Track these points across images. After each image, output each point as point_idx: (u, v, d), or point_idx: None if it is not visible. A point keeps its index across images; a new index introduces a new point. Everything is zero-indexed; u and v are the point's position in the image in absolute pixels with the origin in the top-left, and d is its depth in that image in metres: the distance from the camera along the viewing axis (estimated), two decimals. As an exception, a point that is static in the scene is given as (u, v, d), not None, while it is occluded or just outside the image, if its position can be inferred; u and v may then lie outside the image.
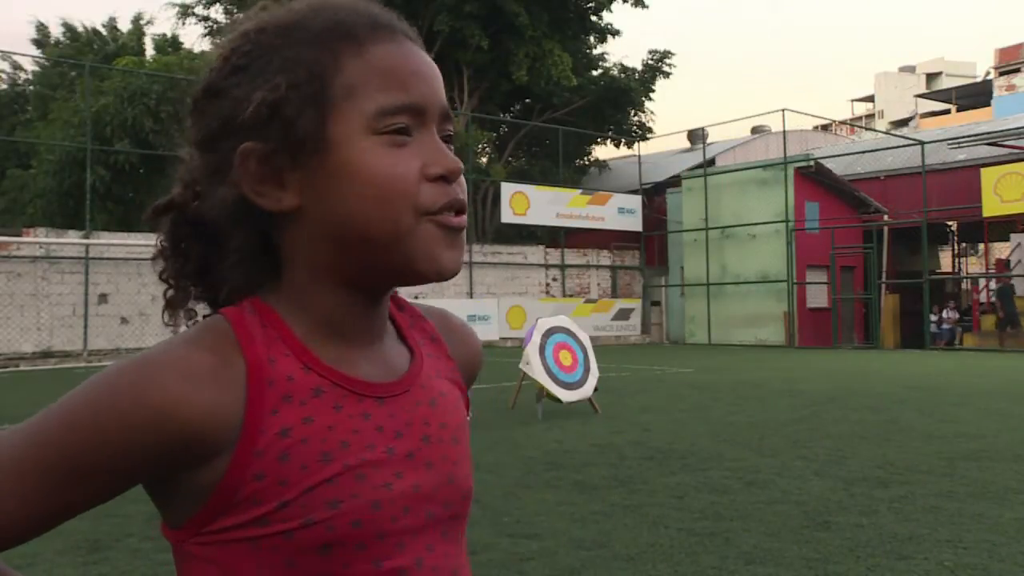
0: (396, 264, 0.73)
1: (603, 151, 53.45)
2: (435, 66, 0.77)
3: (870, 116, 66.68)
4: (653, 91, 30.51)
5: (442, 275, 0.74)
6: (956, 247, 29.29)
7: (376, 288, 0.76)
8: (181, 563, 0.73)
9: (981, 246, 29.62)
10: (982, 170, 21.64)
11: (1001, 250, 26.85)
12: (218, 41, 0.79)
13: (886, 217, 24.65)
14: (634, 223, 27.02)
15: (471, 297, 23.17)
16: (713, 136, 32.30)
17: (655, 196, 28.15)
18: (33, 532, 0.68)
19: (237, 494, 0.68)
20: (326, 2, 0.76)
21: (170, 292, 0.79)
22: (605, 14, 28.77)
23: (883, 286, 23.77)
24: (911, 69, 68.10)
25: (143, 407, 0.66)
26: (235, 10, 26.51)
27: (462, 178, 0.76)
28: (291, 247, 0.75)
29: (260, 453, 0.68)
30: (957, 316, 24.70)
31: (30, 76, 33.87)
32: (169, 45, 30.17)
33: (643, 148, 30.31)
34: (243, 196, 0.73)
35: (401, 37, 0.76)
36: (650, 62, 30.55)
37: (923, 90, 60.90)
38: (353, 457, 0.71)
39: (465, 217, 0.75)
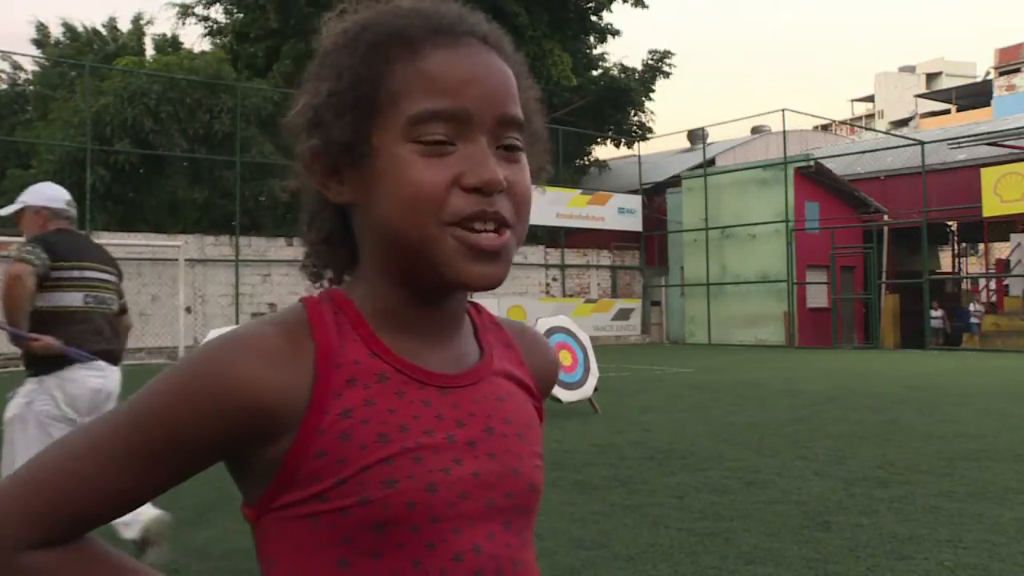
0: (426, 271, 0.75)
1: (603, 151, 53.42)
2: (502, 71, 0.76)
3: (870, 116, 66.68)
4: (653, 91, 30.52)
5: (469, 287, 0.76)
6: (956, 247, 29.31)
7: (423, 288, 0.78)
8: (259, 542, 0.77)
9: (981, 246, 29.64)
10: (982, 170, 21.65)
11: (1001, 250, 26.87)
12: (328, 25, 0.81)
13: (886, 217, 24.66)
14: (634, 223, 27.02)
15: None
16: (713, 136, 32.33)
17: (655, 196, 28.16)
18: (131, 506, 0.74)
19: (299, 471, 0.72)
20: (393, 6, 0.77)
21: (306, 256, 0.85)
22: (605, 14, 28.81)
23: (883, 286, 23.78)
24: (911, 69, 68.10)
25: (219, 384, 0.71)
26: (235, 10, 26.49)
27: (521, 191, 0.75)
28: (359, 238, 0.80)
29: (322, 432, 0.72)
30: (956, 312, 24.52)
31: (30, 76, 33.89)
32: (169, 45, 30.18)
33: (643, 148, 30.34)
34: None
35: (467, 40, 0.75)
36: (650, 62, 30.56)
37: (923, 90, 60.91)
38: (411, 440, 0.73)
39: (501, 235, 0.74)
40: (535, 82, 0.83)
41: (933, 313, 23.53)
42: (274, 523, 0.74)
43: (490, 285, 0.75)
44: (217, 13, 27.86)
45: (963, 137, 23.20)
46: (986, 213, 21.55)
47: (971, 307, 24.23)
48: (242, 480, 0.76)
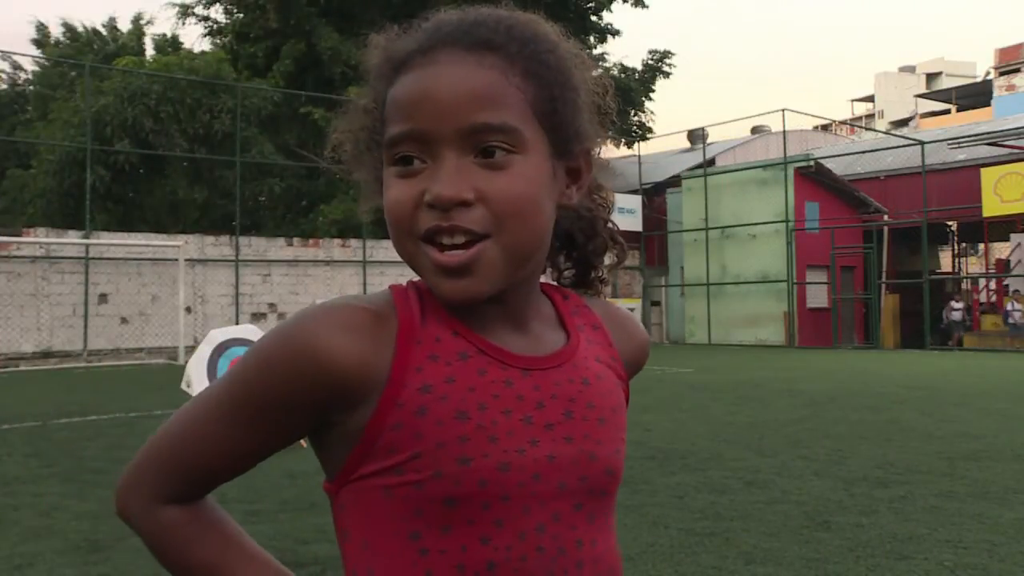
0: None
1: (603, 151, 53.24)
2: (465, 80, 0.74)
3: (870, 116, 66.65)
4: (653, 91, 30.49)
5: (445, 301, 0.78)
6: (956, 247, 29.30)
7: None
8: (336, 515, 0.81)
9: (981, 246, 29.63)
10: (982, 170, 21.63)
11: (1001, 250, 26.86)
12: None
13: (886, 217, 24.65)
14: (634, 223, 26.99)
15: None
16: (713, 136, 32.32)
17: (655, 196, 28.15)
18: (241, 464, 0.81)
19: (377, 442, 0.75)
20: (419, 24, 0.81)
21: None
22: (605, 14, 28.79)
23: (883, 286, 23.77)
24: (911, 69, 68.09)
25: (304, 352, 0.75)
26: (235, 10, 26.48)
27: (503, 198, 0.74)
28: None
29: (401, 405, 0.75)
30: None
31: (30, 76, 33.89)
32: (169, 45, 30.17)
33: (643, 148, 30.31)
34: None
35: (439, 54, 0.76)
36: (650, 62, 30.53)
37: (923, 90, 60.89)
38: (488, 419, 0.75)
39: (468, 249, 0.74)
40: (573, 71, 0.80)
41: (954, 305, 23.15)
42: (351, 494, 0.77)
43: (466, 300, 0.76)
44: (217, 13, 27.85)
45: (963, 137, 23.18)
46: (986, 213, 21.53)
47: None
48: (325, 451, 0.80)
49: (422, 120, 0.75)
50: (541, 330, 0.83)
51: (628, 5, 28.30)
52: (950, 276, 28.46)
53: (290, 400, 0.76)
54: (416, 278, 0.82)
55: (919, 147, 23.35)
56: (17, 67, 34.27)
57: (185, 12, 27.72)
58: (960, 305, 23.73)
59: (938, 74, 65.25)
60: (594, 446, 0.80)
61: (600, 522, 0.81)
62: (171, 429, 0.82)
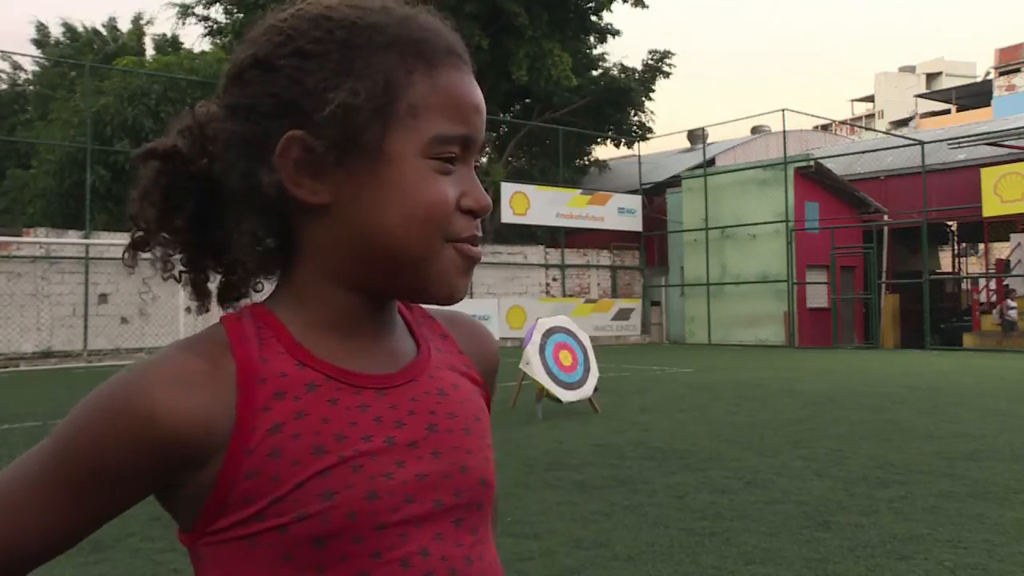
0: (412, 282, 0.75)
1: (603, 151, 53.48)
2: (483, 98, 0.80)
3: (870, 116, 66.66)
4: (653, 91, 30.49)
5: (452, 299, 0.76)
6: (956, 247, 29.31)
7: (382, 295, 0.78)
8: (196, 566, 0.74)
9: (981, 246, 29.63)
10: (982, 170, 21.63)
11: (1001, 250, 26.86)
12: (274, 15, 0.76)
13: (886, 217, 24.65)
14: (634, 223, 27.02)
15: (471, 297, 23.15)
16: (713, 136, 32.36)
17: (655, 196, 28.15)
18: (61, 545, 0.71)
19: (231, 493, 0.69)
20: (405, 12, 0.76)
21: (137, 233, 0.79)
22: (605, 14, 28.76)
23: (883, 286, 23.77)
24: (911, 69, 68.09)
25: (133, 415, 0.68)
26: (235, 10, 26.48)
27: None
28: (310, 242, 0.75)
29: (251, 451, 0.69)
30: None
31: (30, 76, 33.92)
32: (169, 45, 30.21)
33: (643, 148, 30.34)
34: (280, 181, 0.72)
35: (466, 67, 0.78)
36: (650, 62, 30.54)
37: (923, 90, 60.89)
38: (349, 449, 0.71)
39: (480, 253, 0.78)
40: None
41: (1010, 304, 22.11)
42: (210, 547, 0.71)
43: (462, 297, 0.78)
44: (217, 13, 27.85)
45: (963, 137, 23.17)
46: (986, 213, 21.53)
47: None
48: (174, 507, 0.73)
49: (473, 128, 0.76)
50: (397, 341, 0.80)
51: (628, 5, 28.27)
52: (950, 276, 28.47)
53: (125, 470, 0.68)
54: (243, 301, 0.79)
55: (919, 147, 23.36)
56: (17, 67, 34.33)
57: (185, 12, 27.73)
58: (1015, 304, 22.20)
59: (938, 74, 65.25)
60: (464, 457, 0.77)
61: (483, 535, 0.78)
62: None
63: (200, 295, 0.80)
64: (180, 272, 0.80)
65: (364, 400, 0.74)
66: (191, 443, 0.68)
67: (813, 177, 24.06)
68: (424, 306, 0.86)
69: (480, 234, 0.77)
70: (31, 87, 33.38)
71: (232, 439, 0.69)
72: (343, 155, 0.72)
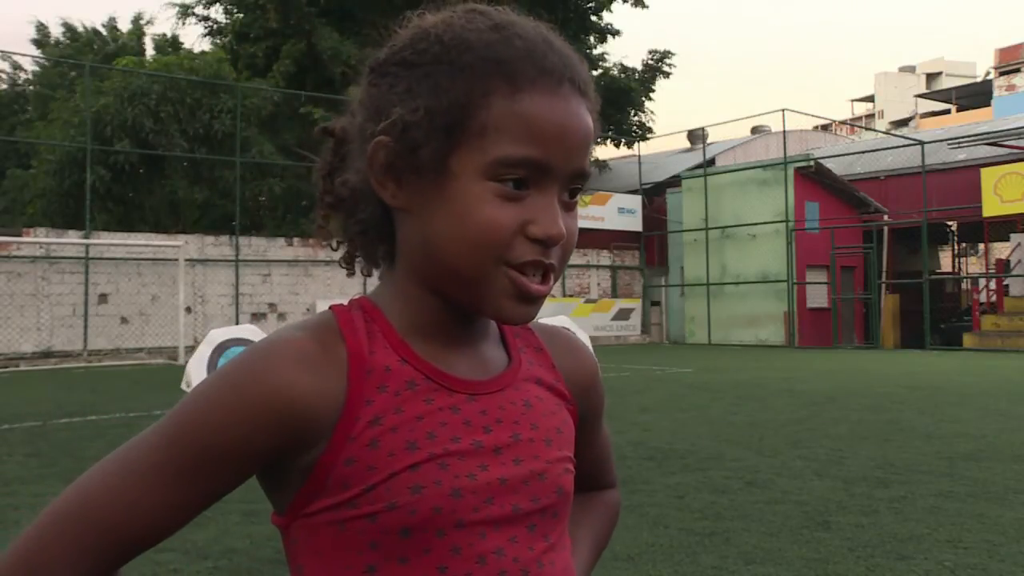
0: (466, 298, 0.77)
1: (603, 151, 53.37)
2: (587, 125, 0.77)
3: (870, 116, 66.68)
4: (653, 91, 30.48)
5: (507, 323, 0.78)
6: (956, 247, 29.30)
7: (457, 304, 0.79)
8: (288, 550, 0.78)
9: (981, 246, 29.63)
10: (982, 170, 21.64)
11: (1001, 250, 26.86)
12: (421, 16, 0.80)
13: (886, 217, 24.65)
14: (634, 223, 27.02)
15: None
16: (713, 136, 32.34)
17: (655, 196, 28.16)
18: (169, 529, 0.73)
19: (329, 477, 0.73)
20: (506, 29, 0.76)
21: (322, 209, 0.84)
22: (605, 14, 28.77)
23: (883, 286, 23.77)
24: (911, 69, 68.10)
25: (263, 392, 0.71)
26: (235, 10, 26.48)
27: (571, 239, 0.78)
28: (403, 243, 0.79)
29: (353, 439, 0.73)
30: None
31: (30, 76, 33.91)
32: (169, 45, 30.21)
33: (643, 148, 30.33)
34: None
35: (565, 89, 0.76)
36: (650, 62, 30.53)
37: (923, 90, 60.91)
38: (439, 447, 0.74)
39: (546, 283, 0.76)
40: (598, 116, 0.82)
41: None
42: (303, 530, 0.75)
43: (524, 323, 0.78)
44: (217, 13, 27.84)
45: (963, 137, 23.18)
46: (986, 213, 21.53)
47: None
48: (273, 489, 0.77)
49: (552, 152, 0.74)
50: (489, 349, 0.83)
51: (628, 5, 28.30)
52: (950, 276, 28.47)
53: (245, 448, 0.71)
54: (348, 294, 0.82)
55: (919, 147, 23.36)
56: (17, 67, 34.32)
57: (185, 12, 27.72)
58: None
59: (938, 74, 65.27)
60: (544, 466, 0.80)
61: (555, 541, 0.81)
62: (87, 495, 0.71)
63: (348, 262, 0.85)
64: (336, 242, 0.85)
65: (456, 403, 0.77)
66: (311, 421, 0.72)
67: (813, 177, 24.06)
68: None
69: (550, 262, 0.75)
70: (31, 87, 33.38)
71: (338, 424, 0.73)
72: (419, 167, 0.75)
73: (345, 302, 0.81)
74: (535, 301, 0.76)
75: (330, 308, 0.79)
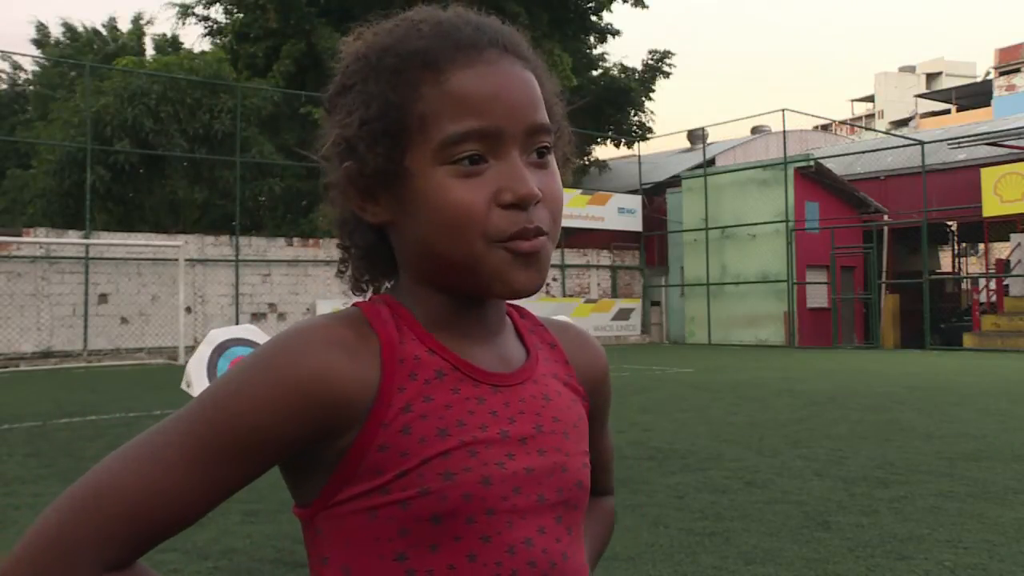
0: (472, 284, 0.77)
1: (603, 151, 53.41)
2: (525, 81, 0.76)
3: (870, 116, 66.67)
4: (653, 91, 30.51)
5: (517, 295, 0.78)
6: (956, 247, 29.30)
7: (467, 296, 0.80)
8: (311, 541, 0.78)
9: (981, 246, 29.63)
10: (982, 170, 21.63)
11: (1001, 250, 26.86)
12: (346, 47, 0.82)
13: (886, 217, 24.65)
14: (634, 223, 27.01)
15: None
16: (713, 136, 32.35)
17: (655, 196, 28.15)
18: (197, 514, 0.72)
19: (361, 464, 0.73)
20: (417, 23, 0.77)
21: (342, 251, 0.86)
22: (605, 14, 28.79)
23: (883, 286, 23.77)
24: (911, 69, 68.10)
25: (297, 377, 0.71)
26: (235, 10, 26.49)
27: (553, 197, 0.77)
28: (398, 253, 0.82)
29: (386, 425, 0.73)
30: None
31: (30, 76, 33.93)
32: (169, 45, 30.22)
33: (643, 148, 30.32)
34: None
35: (489, 55, 0.76)
36: (650, 62, 30.55)
37: (923, 90, 60.89)
38: (468, 435, 0.75)
39: (540, 240, 0.76)
40: (552, 74, 0.83)
41: None
42: (330, 520, 0.75)
43: (534, 290, 0.78)
44: (217, 13, 27.85)
45: (963, 137, 23.18)
46: (986, 213, 21.53)
47: None
48: (300, 479, 0.76)
49: (496, 117, 0.74)
50: (507, 344, 0.84)
51: (628, 5, 28.31)
52: (950, 276, 28.47)
53: (280, 433, 0.71)
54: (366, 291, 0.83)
55: (919, 147, 23.36)
56: (17, 67, 34.34)
57: (185, 12, 27.73)
58: None
59: (938, 74, 65.26)
60: (565, 459, 0.81)
61: (576, 534, 0.82)
62: (112, 481, 0.69)
63: (356, 289, 0.87)
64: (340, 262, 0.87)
65: (482, 393, 0.78)
66: (346, 406, 0.72)
67: (813, 177, 24.06)
68: (536, 314, 0.92)
69: (534, 224, 0.75)
70: (31, 87, 33.39)
71: (372, 410, 0.73)
72: (386, 179, 0.76)
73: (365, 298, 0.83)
74: (535, 262, 0.76)
75: (354, 304, 0.81)
